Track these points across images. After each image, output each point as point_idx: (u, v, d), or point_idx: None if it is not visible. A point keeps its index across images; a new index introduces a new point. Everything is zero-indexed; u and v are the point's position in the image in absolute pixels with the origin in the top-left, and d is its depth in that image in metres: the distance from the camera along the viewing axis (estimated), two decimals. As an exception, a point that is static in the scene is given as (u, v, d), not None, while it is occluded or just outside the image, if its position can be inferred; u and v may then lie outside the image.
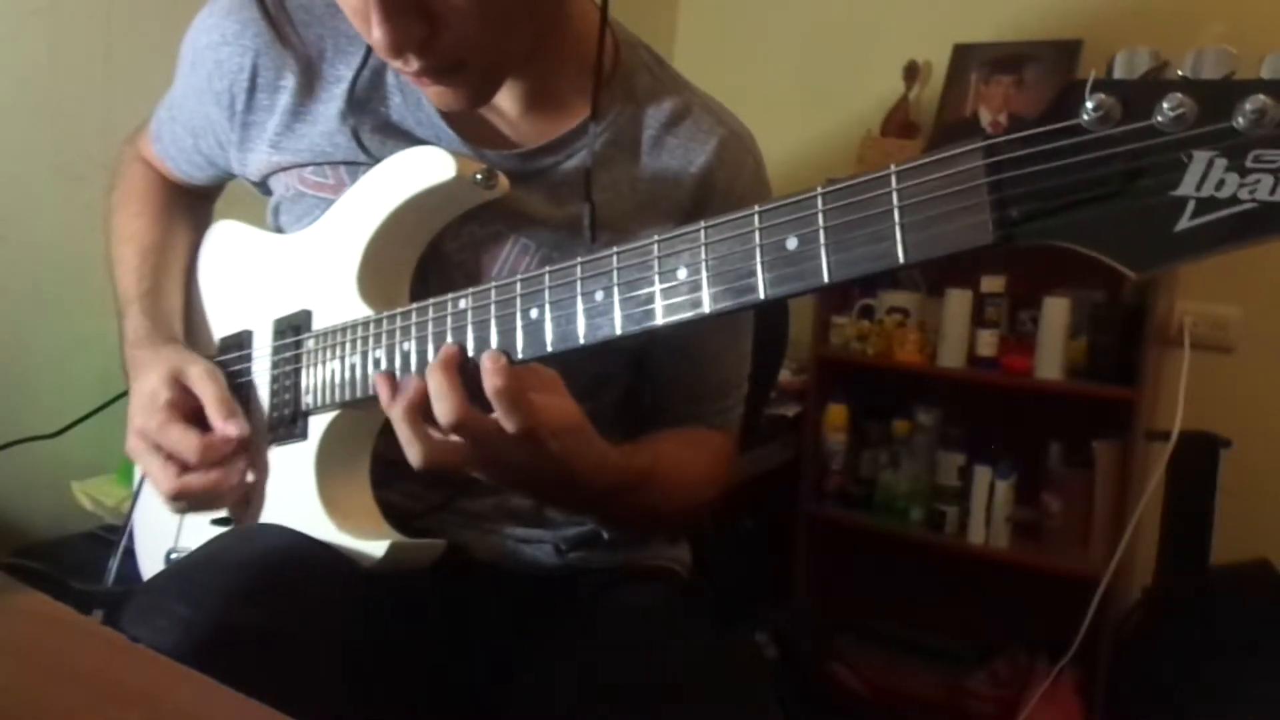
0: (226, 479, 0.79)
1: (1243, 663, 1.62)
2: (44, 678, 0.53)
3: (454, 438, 0.66)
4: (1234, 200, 0.40)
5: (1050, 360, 1.92)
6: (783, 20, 2.45)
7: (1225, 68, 0.41)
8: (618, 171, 0.83)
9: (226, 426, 0.79)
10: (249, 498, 0.84)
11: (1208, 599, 1.69)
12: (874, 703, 2.09)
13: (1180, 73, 0.42)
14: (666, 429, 0.88)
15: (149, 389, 0.81)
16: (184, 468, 0.78)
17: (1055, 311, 1.92)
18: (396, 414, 0.67)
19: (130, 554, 0.96)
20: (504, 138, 0.83)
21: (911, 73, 2.19)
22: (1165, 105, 0.41)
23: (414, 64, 0.69)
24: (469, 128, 0.82)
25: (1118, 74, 0.43)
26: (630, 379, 0.89)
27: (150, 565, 0.94)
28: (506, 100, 0.82)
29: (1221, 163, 0.40)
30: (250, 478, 0.84)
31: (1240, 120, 0.40)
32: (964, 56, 2.12)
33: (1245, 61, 0.41)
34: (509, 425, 0.63)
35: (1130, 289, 1.90)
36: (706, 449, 0.89)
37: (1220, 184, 0.40)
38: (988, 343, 1.99)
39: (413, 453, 0.67)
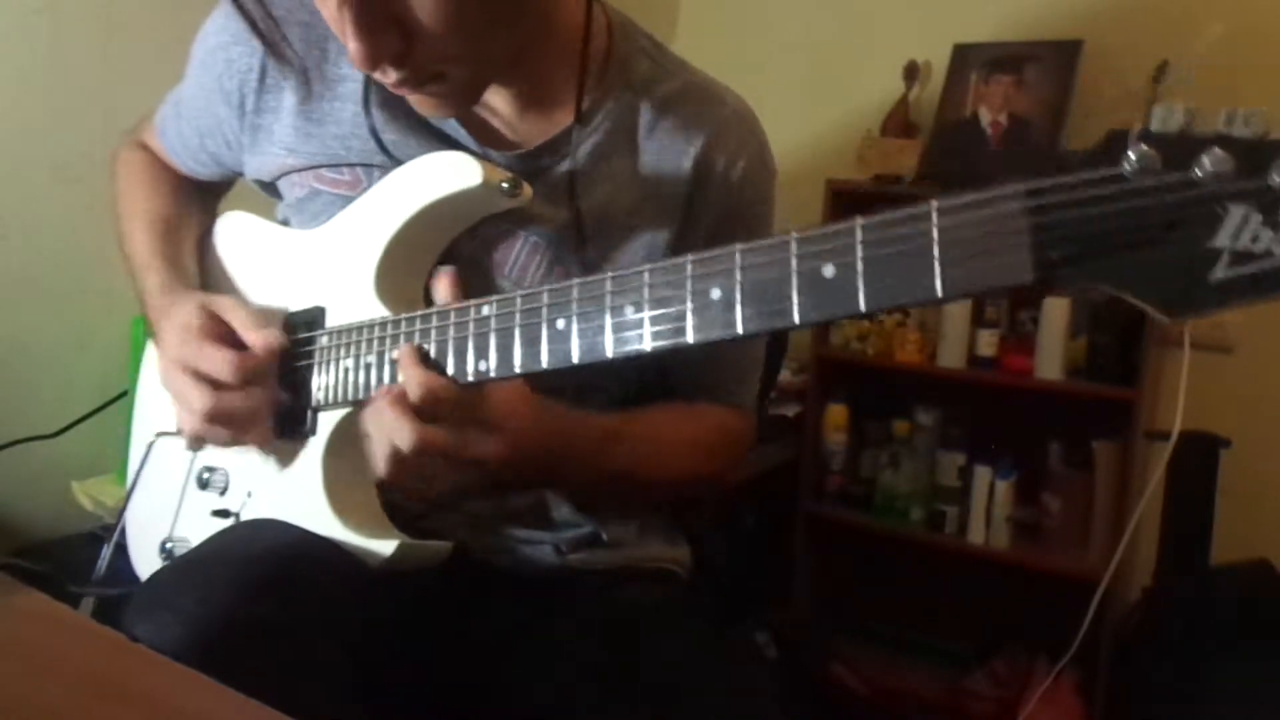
0: (265, 397, 0.78)
1: (1243, 663, 1.62)
2: (44, 678, 0.53)
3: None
4: (1268, 254, 0.42)
5: (1050, 360, 1.92)
6: (783, 20, 2.45)
7: (1260, 127, 0.43)
8: (617, 163, 0.83)
9: (260, 339, 0.78)
10: (252, 489, 0.84)
11: (1208, 599, 1.69)
12: (874, 703, 2.09)
13: (1218, 131, 0.44)
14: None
15: (180, 320, 0.80)
16: (219, 384, 0.77)
17: (1055, 311, 1.92)
18: (386, 401, 0.69)
19: (122, 548, 0.96)
20: (505, 138, 0.83)
21: (911, 73, 2.19)
22: (1205, 160, 0.43)
23: (391, 75, 0.70)
24: (476, 127, 0.82)
25: (1155, 127, 0.45)
26: (654, 378, 0.90)
27: (142, 557, 0.93)
28: (502, 100, 0.82)
29: (1257, 218, 0.42)
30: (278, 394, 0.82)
31: (1276, 178, 0.41)
32: (964, 56, 2.12)
33: (1246, 60, 0.42)
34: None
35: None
36: (705, 419, 0.89)
37: (1255, 238, 0.42)
38: (988, 343, 1.99)
39: (402, 436, 0.68)
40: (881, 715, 2.08)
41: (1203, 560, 1.72)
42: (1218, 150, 0.42)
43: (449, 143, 0.82)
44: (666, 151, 0.83)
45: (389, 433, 0.68)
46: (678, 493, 0.95)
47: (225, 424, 0.78)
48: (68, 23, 1.38)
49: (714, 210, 0.84)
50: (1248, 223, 0.42)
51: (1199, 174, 0.43)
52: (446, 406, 0.67)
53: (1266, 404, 1.96)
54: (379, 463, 0.70)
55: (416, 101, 0.76)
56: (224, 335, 0.79)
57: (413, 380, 0.67)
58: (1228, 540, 1.74)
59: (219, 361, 0.76)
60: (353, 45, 0.66)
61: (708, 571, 1.00)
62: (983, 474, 2.01)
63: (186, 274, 0.90)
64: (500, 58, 0.75)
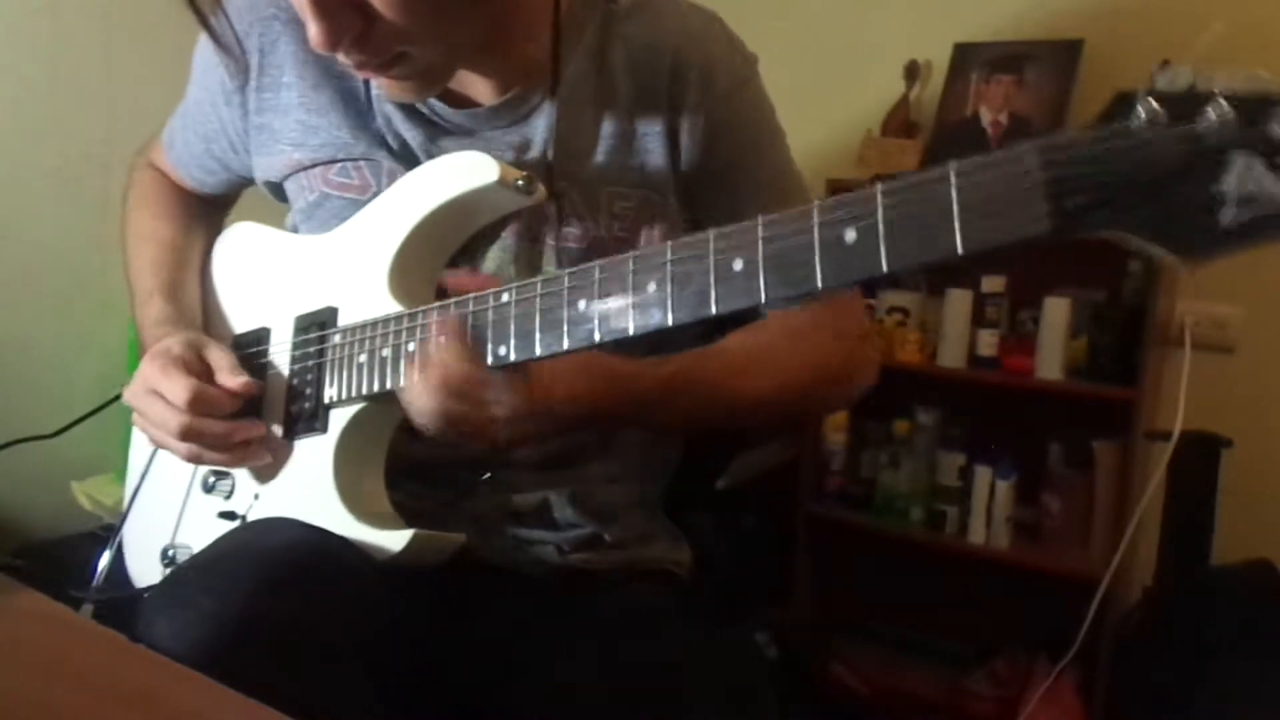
0: (236, 431, 0.80)
1: (1243, 663, 1.62)
2: (44, 678, 0.53)
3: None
4: (1271, 199, 0.43)
5: (1051, 360, 1.92)
6: (783, 20, 2.45)
7: (1260, 87, 0.45)
8: (592, 82, 0.83)
9: (231, 381, 0.80)
10: (259, 491, 0.85)
11: (1208, 599, 1.69)
12: (874, 703, 2.09)
13: (1217, 89, 0.45)
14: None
15: (163, 345, 0.82)
16: (179, 410, 0.78)
17: (1056, 311, 1.92)
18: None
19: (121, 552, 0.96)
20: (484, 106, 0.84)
21: (912, 72, 2.19)
22: (1209, 112, 0.44)
23: (354, 56, 0.70)
24: (457, 101, 0.83)
25: (1161, 86, 0.47)
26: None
27: (141, 562, 0.93)
28: (485, 85, 0.83)
29: (1260, 164, 0.43)
30: (266, 458, 0.83)
31: (1276, 127, 0.43)
32: (964, 56, 2.12)
33: (1247, 60, 0.43)
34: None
35: (1130, 289, 1.90)
36: (783, 327, 0.84)
37: (1259, 183, 0.44)
38: (988, 343, 1.99)
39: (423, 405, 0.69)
40: (881, 715, 2.08)
41: (1203, 560, 1.72)
42: (1222, 102, 0.44)
43: (439, 127, 0.83)
44: (637, 59, 0.83)
45: (413, 399, 0.70)
46: (784, 412, 0.93)
47: (201, 448, 0.80)
48: (68, 23, 1.38)
49: (697, 101, 0.84)
50: (1251, 170, 0.44)
51: (1204, 126, 0.44)
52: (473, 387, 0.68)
53: (1268, 404, 1.96)
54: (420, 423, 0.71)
55: (384, 85, 0.77)
56: (198, 371, 0.81)
57: (452, 360, 0.68)
58: (1228, 540, 1.74)
59: (177, 386, 0.78)
60: (312, 27, 0.67)
61: (708, 572, 1.00)
62: (983, 474, 2.01)
63: (187, 307, 0.92)
64: (464, 39, 0.75)
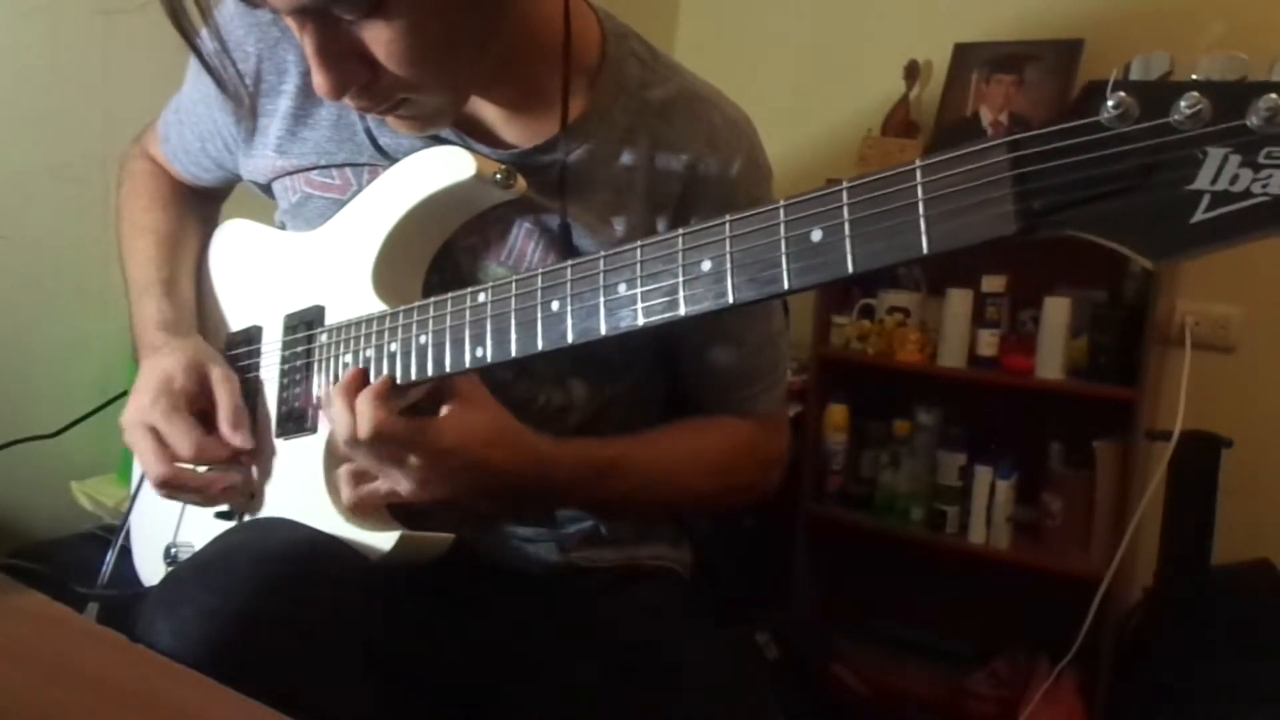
0: (217, 482, 0.80)
1: (1243, 663, 1.62)
2: (44, 678, 0.53)
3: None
4: (1247, 194, 0.42)
5: (1051, 360, 1.92)
6: (783, 20, 2.45)
7: (1237, 72, 0.43)
8: (610, 168, 0.82)
9: (234, 436, 0.80)
10: (255, 490, 0.85)
11: (1208, 599, 1.69)
12: (874, 703, 2.09)
13: (1195, 76, 0.43)
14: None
15: (165, 371, 0.81)
16: (175, 458, 0.79)
17: (1056, 311, 1.92)
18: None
19: (127, 552, 0.96)
20: (498, 137, 0.83)
21: (912, 72, 2.19)
22: (1182, 104, 0.43)
23: (358, 102, 0.70)
24: (469, 127, 0.82)
25: (1135, 76, 0.45)
26: (651, 366, 0.89)
27: (147, 561, 0.94)
28: (492, 108, 0.82)
29: (1235, 159, 0.42)
30: (251, 476, 0.84)
31: (1254, 119, 0.41)
32: (965, 56, 2.12)
33: (1251, 61, 0.42)
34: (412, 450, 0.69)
35: (1131, 289, 1.90)
36: (723, 435, 0.87)
37: (1234, 179, 0.42)
38: (988, 342, 1.99)
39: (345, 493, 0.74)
40: (881, 715, 2.08)
41: (1203, 560, 1.71)
42: (1194, 94, 0.42)
43: (440, 141, 0.82)
44: (659, 158, 0.83)
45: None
46: (692, 510, 0.95)
47: (179, 494, 0.80)
48: (67, 22, 1.38)
49: (708, 212, 0.84)
50: (1226, 164, 0.42)
51: (1176, 119, 0.43)
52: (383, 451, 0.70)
53: (1268, 403, 1.96)
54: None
55: (391, 122, 0.77)
56: (201, 406, 0.81)
57: (360, 416, 0.70)
58: (1228, 540, 1.74)
59: (183, 437, 0.78)
60: (318, 77, 0.67)
61: (708, 571, 1.00)
62: (983, 474, 2.01)
63: (183, 305, 0.92)
64: (471, 80, 0.75)
